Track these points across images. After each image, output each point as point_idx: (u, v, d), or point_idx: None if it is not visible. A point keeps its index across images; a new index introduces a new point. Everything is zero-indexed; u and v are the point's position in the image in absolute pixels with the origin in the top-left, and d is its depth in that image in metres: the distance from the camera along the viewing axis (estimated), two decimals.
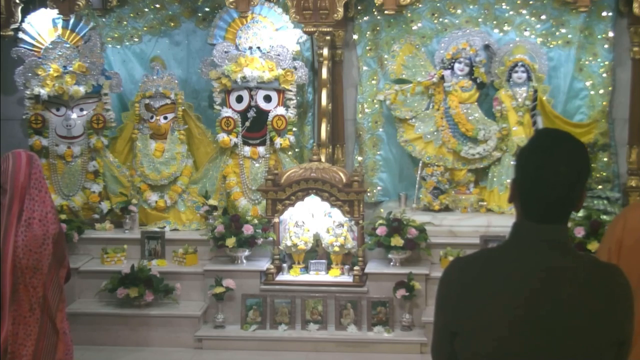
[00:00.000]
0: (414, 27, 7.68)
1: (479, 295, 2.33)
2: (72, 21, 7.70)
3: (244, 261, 7.01)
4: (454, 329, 2.38)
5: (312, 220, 6.98)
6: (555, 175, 2.29)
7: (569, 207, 2.34)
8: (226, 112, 7.53)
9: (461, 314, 2.35)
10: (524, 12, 7.56)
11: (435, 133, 7.55)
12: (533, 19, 7.55)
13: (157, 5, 7.96)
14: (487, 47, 7.51)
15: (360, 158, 7.80)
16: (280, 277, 6.90)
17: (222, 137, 7.50)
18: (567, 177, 2.29)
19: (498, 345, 2.29)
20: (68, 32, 7.74)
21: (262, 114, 7.55)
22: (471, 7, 7.63)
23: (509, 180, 7.37)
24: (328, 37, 7.36)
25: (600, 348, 2.29)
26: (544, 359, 2.27)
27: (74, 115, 7.64)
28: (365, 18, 7.75)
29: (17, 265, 4.74)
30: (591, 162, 2.38)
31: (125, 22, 7.99)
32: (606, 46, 7.48)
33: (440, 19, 7.67)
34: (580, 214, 6.67)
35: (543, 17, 7.54)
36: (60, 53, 7.61)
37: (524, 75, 7.35)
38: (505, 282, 2.31)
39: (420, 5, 7.59)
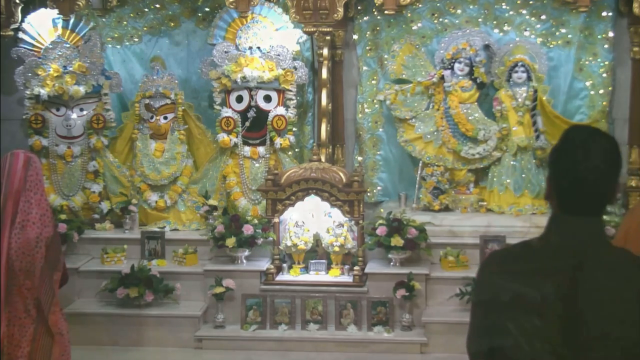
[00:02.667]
0: (414, 27, 7.68)
1: (518, 286, 2.39)
2: (72, 21, 7.70)
3: (244, 261, 7.01)
4: (492, 320, 2.42)
5: (312, 220, 6.98)
6: (592, 170, 2.39)
7: (605, 200, 2.43)
8: (226, 112, 7.53)
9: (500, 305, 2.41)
10: (524, 12, 7.56)
11: (435, 133, 7.55)
12: (533, 19, 7.55)
13: (157, 5, 7.96)
14: (487, 47, 7.51)
15: (360, 158, 7.80)
16: (280, 277, 6.90)
17: (222, 137, 7.50)
18: (603, 171, 2.39)
19: (536, 336, 2.34)
20: (68, 32, 7.74)
21: (262, 114, 7.55)
22: (471, 7, 7.63)
23: (509, 180, 7.39)
24: (328, 37, 7.36)
25: (637, 341, 2.33)
26: (582, 350, 2.32)
27: (74, 115, 7.64)
28: (365, 18, 7.75)
29: (10, 268, 4.74)
30: (621, 155, 2.46)
31: (125, 22, 7.99)
32: (606, 46, 7.48)
33: (440, 19, 7.67)
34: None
35: (543, 17, 7.54)
36: (60, 53, 7.61)
37: (524, 75, 7.35)
38: (544, 274, 2.38)
39: (420, 5, 7.59)
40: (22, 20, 7.63)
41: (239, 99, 7.57)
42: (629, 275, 2.40)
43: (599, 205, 2.43)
